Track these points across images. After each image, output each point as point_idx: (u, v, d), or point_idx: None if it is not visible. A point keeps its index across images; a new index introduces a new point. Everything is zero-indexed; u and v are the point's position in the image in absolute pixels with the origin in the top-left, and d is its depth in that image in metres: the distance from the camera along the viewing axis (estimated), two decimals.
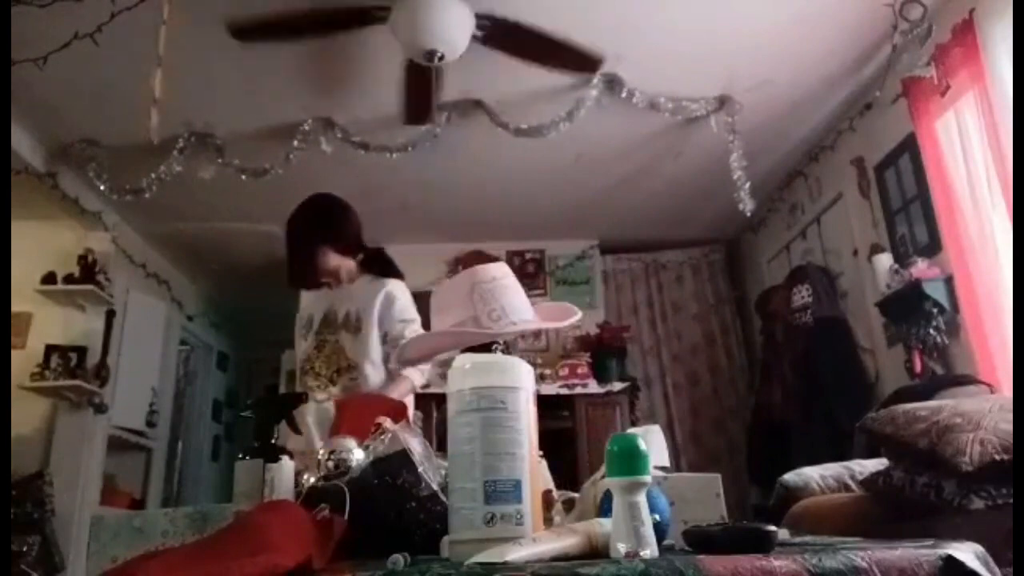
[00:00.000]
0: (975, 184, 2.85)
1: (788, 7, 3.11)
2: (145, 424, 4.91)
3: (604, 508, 1.01)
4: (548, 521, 1.07)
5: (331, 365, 2.31)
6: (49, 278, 4.24)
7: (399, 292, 2.40)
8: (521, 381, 0.92)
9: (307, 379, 2.33)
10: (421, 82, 3.16)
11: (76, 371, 4.16)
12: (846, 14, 3.13)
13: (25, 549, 3.44)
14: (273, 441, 1.17)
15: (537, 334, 5.12)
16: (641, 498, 0.85)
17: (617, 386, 4.61)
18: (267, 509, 1.00)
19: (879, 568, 0.72)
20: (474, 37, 2.94)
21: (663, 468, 1.30)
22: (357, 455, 1.17)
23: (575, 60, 3.20)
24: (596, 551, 0.86)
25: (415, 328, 2.35)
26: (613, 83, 3.47)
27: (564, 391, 4.53)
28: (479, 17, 2.91)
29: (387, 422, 1.23)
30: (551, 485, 1.25)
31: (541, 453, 1.01)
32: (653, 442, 1.33)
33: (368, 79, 3.45)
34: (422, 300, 2.00)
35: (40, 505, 3.63)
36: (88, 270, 4.28)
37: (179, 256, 5.39)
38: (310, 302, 2.47)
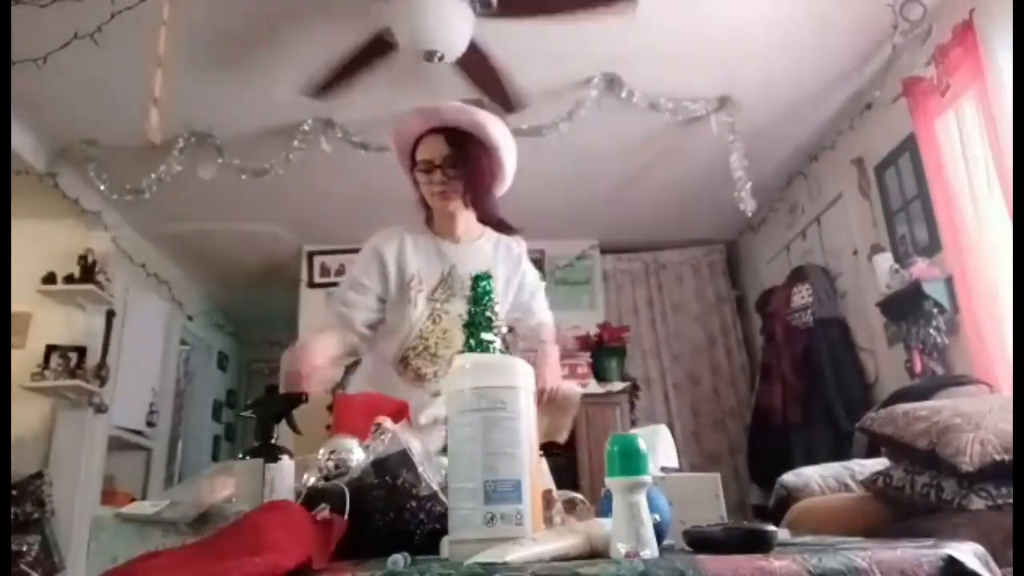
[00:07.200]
0: (975, 184, 2.85)
1: (788, 7, 3.11)
2: (145, 424, 4.91)
3: (604, 508, 1.01)
4: (548, 521, 1.07)
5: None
6: (49, 278, 4.24)
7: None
8: (521, 381, 0.92)
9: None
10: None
11: (76, 371, 4.16)
12: (846, 14, 3.13)
13: (25, 549, 3.43)
14: (273, 441, 1.16)
15: None
16: (641, 498, 0.85)
17: (617, 386, 4.60)
18: (267, 509, 1.00)
19: (879, 568, 0.72)
20: (491, 13, 2.82)
21: (672, 468, 1.29)
22: (357, 455, 1.17)
23: None
24: (596, 551, 0.86)
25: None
26: (613, 83, 3.48)
27: None
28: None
29: (387, 422, 1.23)
30: (551, 485, 1.25)
31: (541, 453, 1.01)
32: (661, 442, 1.32)
33: (368, 79, 3.45)
34: None
35: (40, 505, 3.62)
36: (88, 270, 4.28)
37: (179, 256, 5.38)
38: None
